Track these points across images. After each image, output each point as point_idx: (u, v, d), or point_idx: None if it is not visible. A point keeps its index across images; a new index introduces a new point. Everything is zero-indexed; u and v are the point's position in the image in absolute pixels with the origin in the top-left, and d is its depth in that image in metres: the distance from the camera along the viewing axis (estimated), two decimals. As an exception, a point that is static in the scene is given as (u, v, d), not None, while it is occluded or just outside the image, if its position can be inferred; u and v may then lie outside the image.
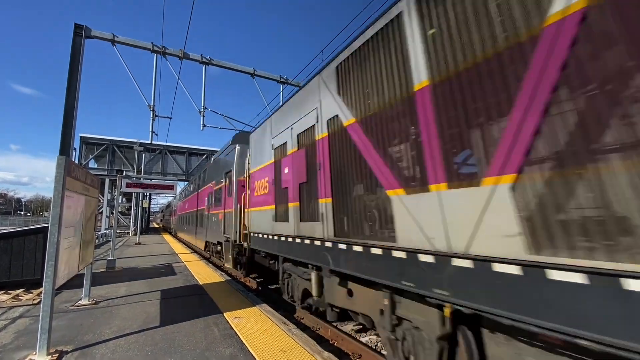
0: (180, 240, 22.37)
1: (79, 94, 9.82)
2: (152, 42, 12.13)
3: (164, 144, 25.30)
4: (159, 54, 12.34)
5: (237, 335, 4.01)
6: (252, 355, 3.42)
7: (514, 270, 2.03)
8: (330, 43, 10.58)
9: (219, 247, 11.16)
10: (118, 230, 29.25)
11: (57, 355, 3.41)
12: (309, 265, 5.07)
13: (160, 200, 66.99)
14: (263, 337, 3.94)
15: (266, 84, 16.19)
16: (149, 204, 42.84)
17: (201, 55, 13.38)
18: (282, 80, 15.75)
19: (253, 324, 4.44)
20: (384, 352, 4.61)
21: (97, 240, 18.07)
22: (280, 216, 5.86)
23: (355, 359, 4.39)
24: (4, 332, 4.25)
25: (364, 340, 4.95)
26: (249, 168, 8.05)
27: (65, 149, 9.40)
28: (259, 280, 9.28)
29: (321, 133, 4.55)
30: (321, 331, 5.35)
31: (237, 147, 9.44)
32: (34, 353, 3.39)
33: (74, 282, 6.11)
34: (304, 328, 5.42)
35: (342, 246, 3.90)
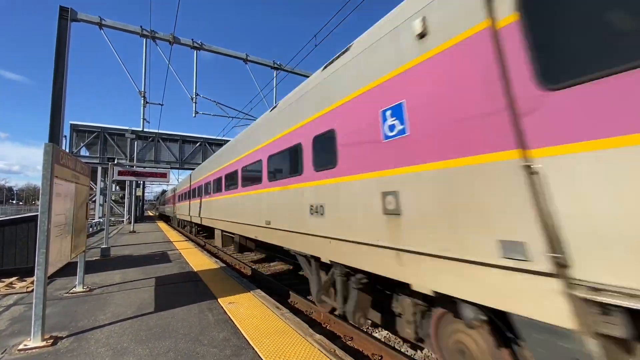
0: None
1: (67, 80, 9.55)
2: (140, 26, 11.78)
3: (156, 131, 24.91)
4: (148, 39, 12.01)
5: (231, 319, 4.09)
6: (245, 338, 3.50)
7: None
8: (323, 28, 10.33)
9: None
10: (112, 219, 29.10)
11: (52, 340, 3.46)
12: None
13: (154, 188, 66.71)
14: (256, 321, 4.03)
15: (259, 70, 15.90)
16: (143, 192, 42.61)
17: (192, 39, 13.04)
18: (275, 65, 15.47)
19: (247, 309, 4.53)
20: (375, 334, 4.75)
21: (91, 229, 17.99)
22: None
23: (347, 341, 4.52)
24: (-1, 319, 4.28)
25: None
26: None
27: (54, 136, 9.22)
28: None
29: None
30: (314, 315, 5.47)
31: None
32: (29, 339, 3.43)
33: (69, 270, 6.13)
34: (297, 312, 5.54)
35: None
